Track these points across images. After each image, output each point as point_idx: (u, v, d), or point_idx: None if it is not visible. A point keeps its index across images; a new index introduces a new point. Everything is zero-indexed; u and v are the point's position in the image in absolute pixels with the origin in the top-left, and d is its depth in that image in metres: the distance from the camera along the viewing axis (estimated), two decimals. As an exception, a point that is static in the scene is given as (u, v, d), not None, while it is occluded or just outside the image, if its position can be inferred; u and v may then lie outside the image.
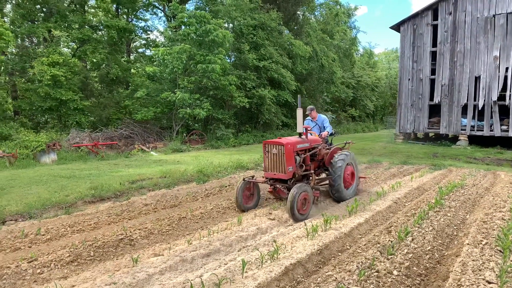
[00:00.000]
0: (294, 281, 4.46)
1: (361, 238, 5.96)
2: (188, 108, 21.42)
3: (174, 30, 24.38)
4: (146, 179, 10.92)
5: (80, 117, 21.51)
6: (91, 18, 25.48)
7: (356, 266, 4.44)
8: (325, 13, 41.93)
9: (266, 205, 8.13)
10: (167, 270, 4.76)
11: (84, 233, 6.38)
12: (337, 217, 6.69)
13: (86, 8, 26.91)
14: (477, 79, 23.13)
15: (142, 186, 10.08)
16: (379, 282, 4.09)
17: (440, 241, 5.61)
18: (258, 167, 13.43)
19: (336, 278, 4.22)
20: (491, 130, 22.74)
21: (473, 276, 4.16)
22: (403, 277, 4.30)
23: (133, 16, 29.16)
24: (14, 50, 22.79)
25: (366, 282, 4.07)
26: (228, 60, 25.80)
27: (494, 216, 6.67)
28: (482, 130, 23.09)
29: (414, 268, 4.57)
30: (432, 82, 24.95)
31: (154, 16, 33.05)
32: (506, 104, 22.07)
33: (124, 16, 28.48)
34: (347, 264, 4.64)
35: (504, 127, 22.36)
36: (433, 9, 24.68)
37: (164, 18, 31.39)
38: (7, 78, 21.56)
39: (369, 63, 59.01)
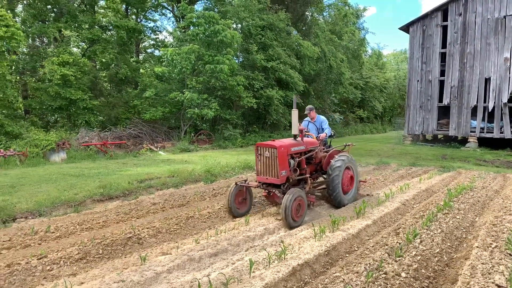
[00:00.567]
0: (302, 282, 4.46)
1: (369, 239, 5.93)
2: (196, 108, 21.49)
3: (183, 30, 24.49)
4: (154, 178, 10.98)
5: (89, 117, 21.71)
6: (101, 18, 25.70)
7: (364, 267, 4.42)
8: (334, 13, 41.83)
9: (260, 210, 7.92)
10: (175, 268, 4.79)
11: (93, 231, 6.44)
12: (344, 218, 6.67)
13: (96, 8, 27.15)
14: (487, 80, 22.92)
15: (150, 185, 10.14)
16: (387, 284, 4.07)
17: (449, 244, 5.56)
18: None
19: (343, 279, 4.21)
20: (501, 132, 22.51)
21: (483, 280, 4.13)
22: (411, 279, 4.27)
23: (142, 16, 29.34)
24: (25, 50, 23.06)
25: (374, 283, 4.05)
26: (236, 61, 25.83)
27: (504, 219, 6.60)
28: (492, 132, 22.87)
29: (423, 271, 4.54)
30: (441, 83, 24.77)
31: (163, 16, 33.30)
32: (517, 106, 21.86)
33: (133, 17, 28.68)
34: (355, 265, 4.62)
35: (515, 130, 22.13)
36: (443, 10, 24.51)
37: (173, 19, 31.57)
38: (18, 78, 21.81)
39: (378, 64, 58.76)
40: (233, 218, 7.15)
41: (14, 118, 18.17)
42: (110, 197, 8.99)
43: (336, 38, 36.58)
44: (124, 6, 27.52)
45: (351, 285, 4.00)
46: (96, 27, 23.62)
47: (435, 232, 5.85)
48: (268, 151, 6.92)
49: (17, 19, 21.23)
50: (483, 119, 23.21)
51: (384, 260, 4.62)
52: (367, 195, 9.06)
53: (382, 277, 4.17)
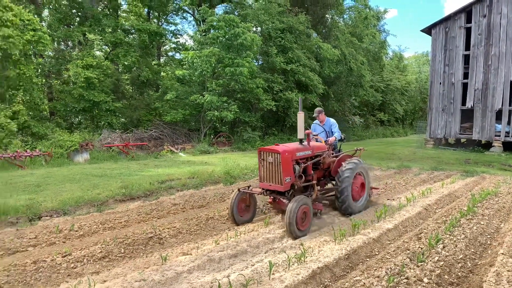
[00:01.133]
0: (322, 285, 4.44)
1: (390, 244, 5.86)
2: (216, 111, 21.65)
3: (203, 33, 24.73)
4: (175, 179, 11.11)
5: (111, 118, 22.15)
6: (124, 22, 26.19)
7: (385, 272, 4.38)
8: (354, 16, 41.47)
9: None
10: (195, 269, 4.83)
11: (115, 231, 6.55)
12: (365, 222, 6.60)
13: (119, 12, 27.69)
14: (513, 83, 22.34)
15: (171, 186, 10.26)
16: (409, 289, 4.02)
17: (472, 250, 5.45)
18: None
19: (364, 283, 4.17)
20: (528, 137, 21.88)
21: (508, 287, 4.03)
22: (434, 285, 4.20)
23: (163, 20, 29.78)
24: (51, 53, 23.70)
25: (395, 288, 4.01)
26: (256, 63, 25.92)
27: (531, 225, 6.42)
28: (518, 137, 22.26)
29: (446, 277, 4.46)
30: (465, 86, 24.26)
31: (184, 20, 33.68)
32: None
33: (155, 20, 29.13)
34: (376, 269, 4.57)
35: (542, 134, 21.49)
36: (467, 12, 24.02)
37: (193, 22, 31.93)
38: (44, 80, 22.43)
39: (399, 66, 57.95)
40: (237, 226, 6.84)
41: (40, 120, 18.70)
42: (132, 198, 9.14)
43: (356, 40, 36.25)
44: (146, 10, 27.99)
45: (372, 289, 3.97)
46: (119, 30, 24.10)
47: (459, 237, 5.73)
48: (272, 156, 6.54)
49: (43, 24, 21.83)
50: (508, 123, 22.60)
51: (406, 265, 4.56)
52: (383, 202, 8.58)
53: (404, 282, 4.12)
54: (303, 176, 6.90)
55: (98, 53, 25.34)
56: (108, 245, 5.66)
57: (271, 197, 7.12)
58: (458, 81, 24.37)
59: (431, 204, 8.36)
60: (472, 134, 24.03)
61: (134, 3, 27.27)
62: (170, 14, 29.95)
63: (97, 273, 4.89)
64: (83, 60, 20.89)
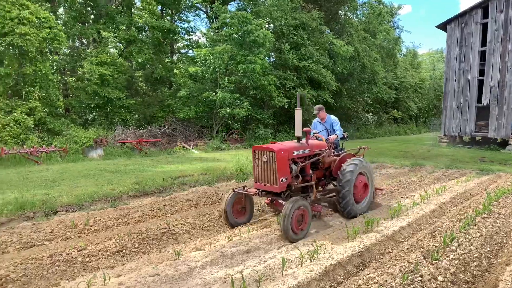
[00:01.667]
0: (335, 282, 4.43)
1: (403, 241, 5.82)
2: (228, 108, 21.70)
3: (216, 30, 24.78)
4: (188, 176, 11.18)
5: (125, 115, 22.39)
6: (137, 19, 26.39)
7: (399, 269, 4.35)
8: (368, 12, 41.09)
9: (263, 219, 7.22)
10: (208, 264, 4.86)
11: (129, 226, 6.62)
12: (378, 219, 6.56)
13: (132, 10, 27.90)
14: (531, 80, 21.90)
15: (183, 182, 10.33)
16: (423, 287, 3.99)
17: (488, 249, 5.37)
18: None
19: (378, 280, 4.15)
20: (546, 135, 21.45)
21: (525, 286, 3.97)
22: (449, 283, 4.16)
23: (176, 17, 29.91)
24: (66, 51, 24.01)
25: (409, 286, 3.98)
26: (268, 60, 25.88)
27: (549, 224, 6.30)
28: (535, 135, 21.83)
29: (461, 275, 4.41)
30: (480, 83, 23.86)
31: (197, 17, 33.78)
32: None
33: (168, 18, 29.26)
34: (389, 267, 4.55)
35: (561, 132, 21.03)
36: (483, 7, 23.59)
37: (206, 20, 32.01)
38: (59, 77, 22.75)
39: (413, 63, 57.27)
40: (231, 228, 6.50)
41: (56, 116, 18.98)
42: (145, 193, 9.23)
43: (370, 37, 35.95)
44: (159, 7, 28.13)
45: (386, 287, 3.94)
46: (132, 28, 24.30)
47: (474, 236, 5.66)
48: (266, 155, 6.16)
49: (59, 21, 22.13)
50: (525, 121, 22.19)
51: (420, 263, 4.53)
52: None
53: (418, 280, 4.09)
54: (300, 176, 6.48)
55: (112, 50, 25.62)
56: (122, 240, 5.72)
57: (268, 198, 6.87)
58: (473, 78, 23.98)
59: (446, 202, 8.26)
60: (487, 132, 23.64)
61: (148, 0, 27.43)
62: (183, 12, 30.04)
63: (112, 267, 4.95)
64: (97, 57, 21.13)
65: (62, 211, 7.70)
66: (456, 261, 4.65)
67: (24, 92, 17.02)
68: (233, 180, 11.02)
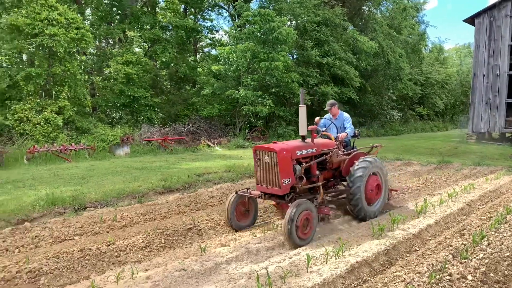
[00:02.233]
0: (360, 279, 4.40)
1: (431, 240, 5.71)
2: (251, 106, 21.77)
3: (238, 28, 24.86)
4: (212, 173, 11.30)
5: (151, 113, 22.80)
6: (161, 19, 26.76)
7: (427, 268, 4.28)
8: (392, 7, 40.29)
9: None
10: (233, 260, 4.90)
11: (156, 222, 6.75)
12: (405, 217, 6.46)
13: (156, 9, 28.30)
14: None
15: (208, 179, 10.45)
16: (452, 286, 3.90)
17: (520, 248, 5.21)
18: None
19: (404, 278, 4.10)
20: None
21: (560, 287, 3.84)
22: (479, 283, 4.06)
23: (199, 16, 30.16)
24: (93, 51, 24.60)
25: (438, 285, 3.90)
26: (291, 57, 25.79)
27: None
28: None
29: (491, 275, 4.30)
30: (510, 78, 23.09)
31: (220, 16, 33.96)
32: None
33: (192, 17, 29.54)
34: (416, 265, 4.48)
35: None
36: (514, 0, 22.81)
37: (229, 18, 32.16)
38: (87, 77, 23.33)
39: (439, 59, 55.86)
40: (234, 232, 6.21)
41: (84, 115, 19.49)
42: (171, 190, 9.39)
43: (394, 32, 35.29)
44: (183, 6, 28.42)
45: (413, 285, 3.89)
46: (157, 27, 24.65)
47: (505, 235, 5.49)
48: (268, 156, 5.83)
49: (86, 22, 22.68)
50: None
51: (448, 261, 4.44)
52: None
53: (447, 279, 4.01)
54: (305, 178, 6.05)
55: (137, 49, 26.06)
56: (149, 235, 5.84)
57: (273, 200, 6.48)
58: (503, 73, 23.22)
59: (474, 200, 8.05)
60: (518, 128, 22.89)
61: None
62: (206, 10, 30.29)
63: (139, 262, 5.06)
64: (123, 56, 21.56)
65: (91, 207, 7.93)
66: (486, 260, 4.53)
67: (53, 92, 17.54)
68: (257, 178, 11.05)
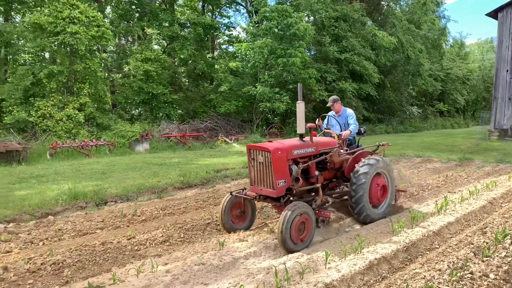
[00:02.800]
0: (379, 276, 4.38)
1: (451, 237, 5.63)
2: (268, 102, 21.76)
3: (256, 25, 24.85)
4: (230, 169, 11.38)
5: (169, 110, 23.06)
6: (179, 16, 26.95)
7: (447, 265, 4.23)
8: (411, 2, 39.55)
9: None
10: (251, 255, 4.93)
11: (175, 216, 6.85)
12: (425, 214, 6.38)
13: (175, 6, 28.51)
14: None
15: (226, 175, 10.54)
16: (473, 285, 3.86)
17: (544, 247, 5.09)
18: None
19: (424, 276, 4.06)
20: None
21: None
22: (501, 281, 3.99)
23: (217, 13, 30.26)
24: (112, 48, 24.97)
25: (459, 283, 3.86)
26: (308, 53, 25.65)
27: None
28: None
29: (514, 273, 4.22)
30: (536, 73, 22.43)
31: (237, 12, 34.01)
32: None
33: (209, 14, 29.67)
34: (437, 263, 4.43)
35: None
36: (540, -8, 22.10)
37: (246, 15, 32.15)
38: (107, 74, 23.71)
39: (460, 54, 54.54)
40: (228, 233, 5.90)
41: (104, 111, 19.83)
42: (189, 185, 9.51)
43: (414, 27, 34.66)
44: (200, 3, 28.57)
45: (434, 283, 3.85)
46: (175, 24, 24.85)
47: (529, 233, 5.38)
48: (262, 155, 5.51)
49: (106, 20, 23.02)
50: None
51: (470, 259, 4.37)
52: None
53: (468, 277, 3.96)
54: (301, 179, 5.63)
55: (156, 47, 26.35)
56: (168, 230, 5.94)
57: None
58: (528, 68, 22.58)
59: (497, 197, 7.87)
60: (544, 125, 22.23)
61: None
62: (224, 7, 30.36)
63: (159, 256, 5.14)
64: (142, 54, 21.82)
65: (111, 201, 8.10)
66: (510, 259, 4.45)
67: (75, 89, 17.89)
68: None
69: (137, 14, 25.72)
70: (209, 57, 28.62)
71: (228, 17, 30.79)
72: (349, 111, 7.39)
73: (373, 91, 27.57)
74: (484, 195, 8.02)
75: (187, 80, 29.19)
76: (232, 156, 14.58)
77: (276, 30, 22.09)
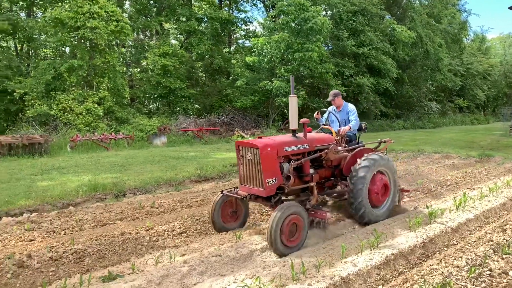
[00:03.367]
0: (396, 271, 4.36)
1: (470, 234, 5.56)
2: (284, 97, 21.73)
3: (273, 19, 24.77)
4: (245, 163, 11.41)
5: (186, 104, 23.29)
6: (197, 11, 27.07)
7: (465, 262, 4.19)
8: (431, -4, 38.83)
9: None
10: (267, 248, 4.94)
11: (192, 209, 6.93)
12: (443, 211, 6.31)
13: (192, 1, 28.63)
14: None
15: (242, 169, 10.57)
16: (492, 282, 3.81)
17: None
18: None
19: (442, 272, 4.03)
20: None
21: None
22: (521, 279, 3.95)
23: (234, 8, 30.25)
24: (131, 43, 25.25)
25: (477, 280, 3.82)
26: (326, 48, 25.46)
27: None
28: None
29: (534, 271, 4.16)
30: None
31: (254, 7, 33.92)
32: None
33: (226, 9, 29.69)
34: (455, 259, 4.39)
35: None
36: None
37: (263, 9, 32.05)
38: (125, 68, 24.02)
39: (481, 49, 53.36)
40: (219, 232, 5.70)
41: (122, 105, 20.12)
42: (206, 178, 9.61)
43: (433, 21, 34.01)
44: (217, -2, 28.66)
45: (451, 279, 3.83)
46: (193, 19, 24.97)
47: (550, 231, 5.28)
48: (251, 152, 5.17)
49: (125, 15, 23.28)
50: None
51: (489, 256, 4.33)
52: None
53: (487, 274, 3.92)
54: (293, 177, 5.27)
55: (173, 41, 26.54)
56: (186, 222, 6.01)
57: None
58: (553, 62, 21.95)
59: (518, 195, 7.73)
60: None
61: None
62: (241, 2, 30.34)
63: (177, 247, 5.22)
64: (160, 48, 22.04)
65: (130, 193, 8.24)
66: (530, 257, 4.39)
67: (94, 83, 18.20)
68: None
69: (155, 9, 25.94)
70: (225, 52, 28.68)
71: (245, 12, 30.78)
72: (351, 106, 7.09)
73: (391, 86, 27.24)
74: (504, 192, 7.88)
75: (204, 75, 29.34)
76: (248, 150, 14.64)
77: (293, 24, 21.98)
